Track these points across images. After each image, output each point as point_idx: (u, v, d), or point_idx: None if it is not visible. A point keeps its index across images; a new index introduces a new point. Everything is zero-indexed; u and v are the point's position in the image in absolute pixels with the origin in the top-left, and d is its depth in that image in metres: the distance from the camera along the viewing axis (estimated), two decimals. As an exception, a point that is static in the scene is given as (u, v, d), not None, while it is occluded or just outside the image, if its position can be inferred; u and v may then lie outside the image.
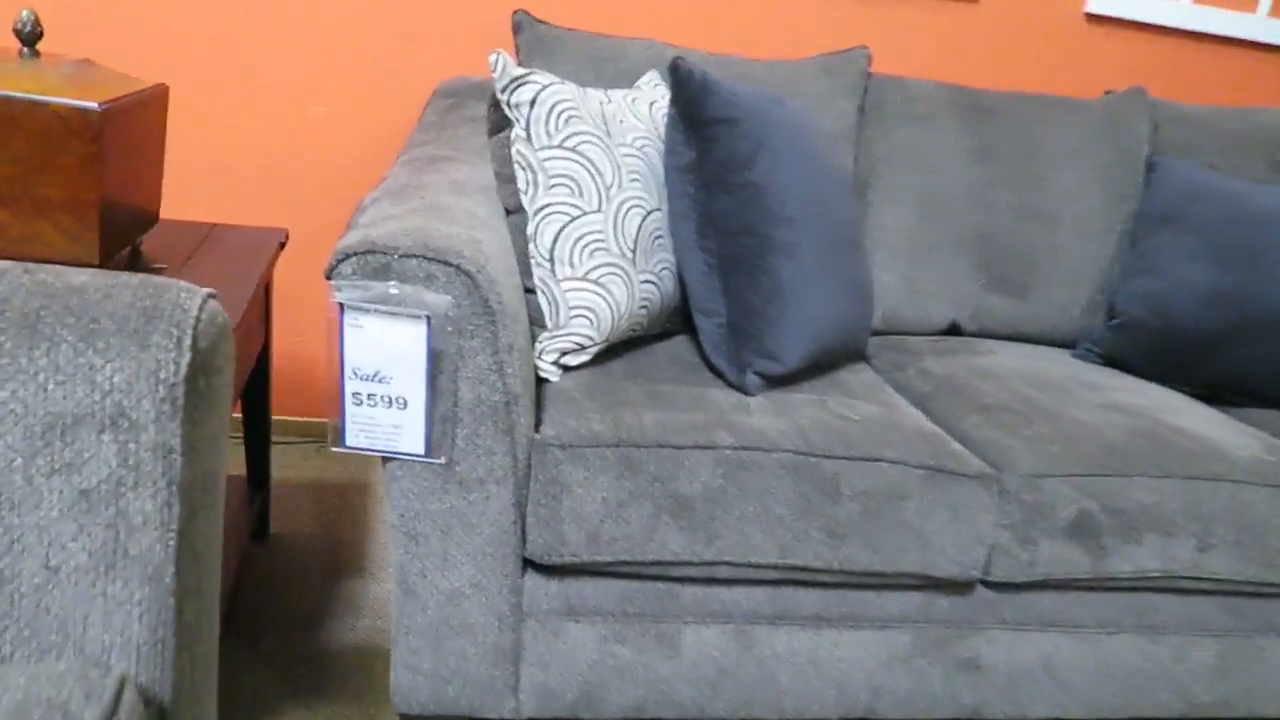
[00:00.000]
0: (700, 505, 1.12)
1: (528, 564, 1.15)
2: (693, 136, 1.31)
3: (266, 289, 1.49)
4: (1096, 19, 1.97)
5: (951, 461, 1.19)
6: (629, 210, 1.30)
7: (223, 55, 1.77)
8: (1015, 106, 1.74)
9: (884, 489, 1.16)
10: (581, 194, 1.26)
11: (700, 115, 1.28)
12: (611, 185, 1.28)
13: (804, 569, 1.17)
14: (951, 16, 1.93)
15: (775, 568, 1.16)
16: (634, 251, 1.30)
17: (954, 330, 1.74)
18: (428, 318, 0.99)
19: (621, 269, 1.28)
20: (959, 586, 1.24)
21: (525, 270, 1.29)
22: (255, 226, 1.50)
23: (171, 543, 0.70)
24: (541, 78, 1.27)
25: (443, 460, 1.06)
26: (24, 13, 1.16)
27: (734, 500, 1.13)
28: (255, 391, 1.57)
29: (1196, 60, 2.02)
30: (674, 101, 1.31)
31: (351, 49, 1.80)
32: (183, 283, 0.76)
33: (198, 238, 1.41)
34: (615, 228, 1.28)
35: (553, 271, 1.26)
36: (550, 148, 1.26)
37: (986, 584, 1.25)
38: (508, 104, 1.26)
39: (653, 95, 1.48)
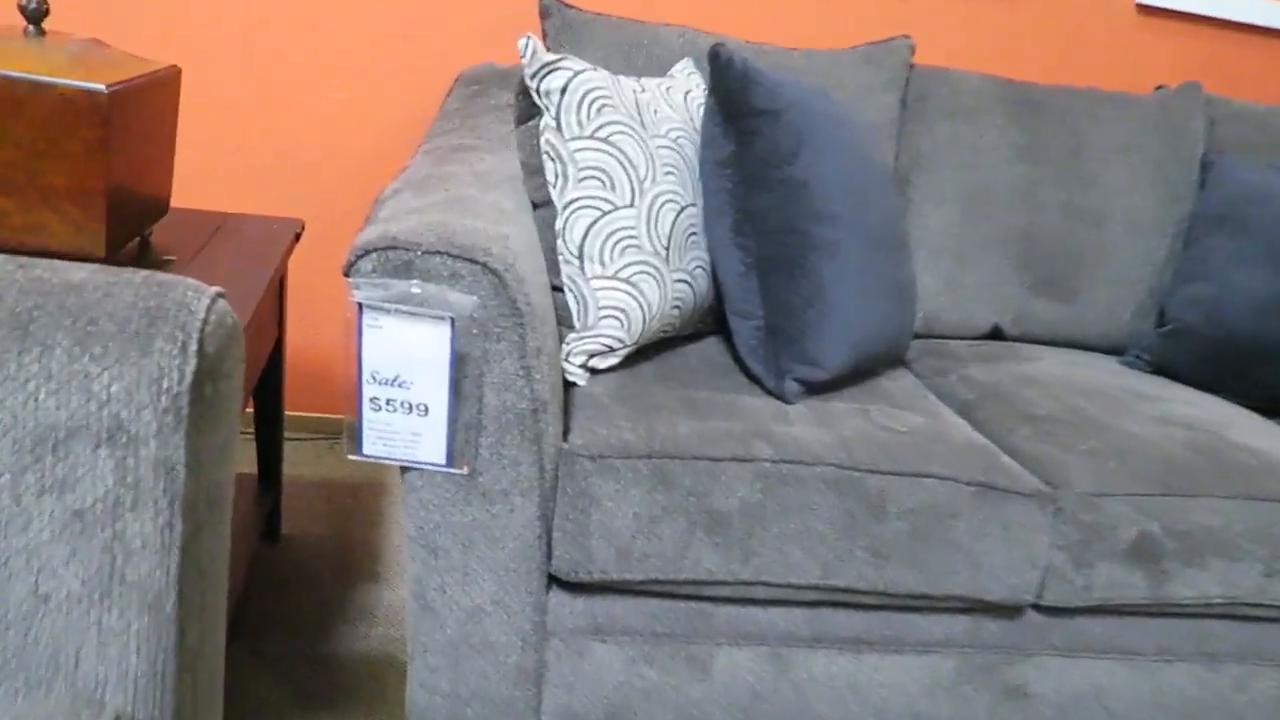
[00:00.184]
0: (737, 521, 1.06)
1: (552, 580, 1.08)
2: (732, 128, 1.24)
3: (281, 282, 1.43)
4: (1147, 10, 1.89)
5: (1004, 478, 1.12)
6: (663, 205, 1.23)
7: (238, 36, 1.70)
8: (1064, 101, 1.65)
9: (932, 507, 1.09)
10: (614, 188, 1.19)
11: (741, 106, 1.21)
12: (645, 179, 1.21)
13: (846, 590, 1.10)
14: (996, 6, 1.85)
15: (815, 588, 1.10)
16: (667, 249, 1.23)
17: (996, 334, 1.67)
18: (452, 319, 0.92)
19: (654, 267, 1.21)
20: (1008, 610, 1.17)
21: (552, 267, 1.22)
22: (270, 216, 1.44)
23: (173, 567, 0.64)
24: (573, 64, 1.20)
25: (465, 471, 0.99)
26: (29, -12, 1.10)
27: (773, 517, 1.06)
28: (268, 388, 1.51)
29: (1254, 55, 1.93)
30: (713, 91, 1.24)
31: (372, 33, 1.73)
32: (189, 280, 0.69)
33: (210, 228, 1.35)
34: (648, 224, 1.21)
35: (582, 269, 1.19)
36: (581, 138, 1.19)
37: (1037, 608, 1.18)
38: (537, 91, 1.19)
39: (687, 84, 1.40)
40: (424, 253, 0.92)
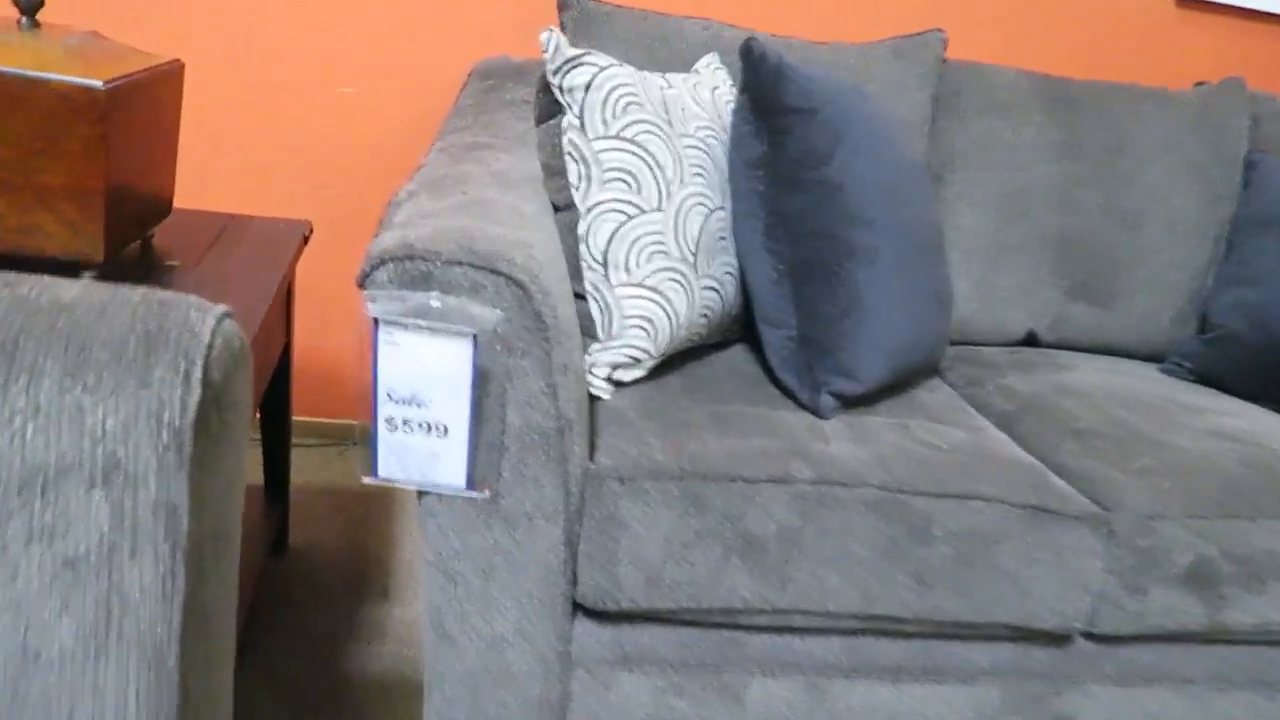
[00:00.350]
0: (774, 547, 0.99)
1: (577, 608, 1.02)
2: (764, 127, 1.17)
3: (289, 286, 1.36)
4: (1187, 2, 1.82)
5: (1054, 500, 1.05)
6: (691, 208, 1.16)
7: (243, 29, 1.64)
8: (1103, 97, 1.59)
9: (979, 530, 1.03)
10: (640, 190, 1.12)
11: (774, 104, 1.15)
12: (673, 181, 1.15)
13: (887, 618, 1.04)
14: (1029, -2, 1.78)
15: (855, 617, 1.04)
16: (695, 254, 1.17)
17: (1030, 341, 1.60)
18: (474, 335, 0.86)
19: (682, 274, 1.15)
20: (1056, 638, 1.11)
21: (574, 273, 1.16)
22: (277, 218, 1.38)
23: (176, 619, 0.58)
24: (598, 59, 1.13)
25: (486, 494, 0.93)
26: (22, -22, 1.03)
27: (811, 541, 1.00)
28: (275, 395, 1.45)
29: (1297, 49, 1.86)
30: (744, 88, 1.17)
31: (382, 25, 1.66)
32: (192, 298, 0.63)
33: (215, 230, 1.29)
34: (676, 228, 1.14)
35: (606, 276, 1.13)
36: (606, 138, 1.12)
37: (1087, 636, 1.12)
38: (560, 88, 1.13)
39: (714, 80, 1.34)
40: (444, 263, 0.86)
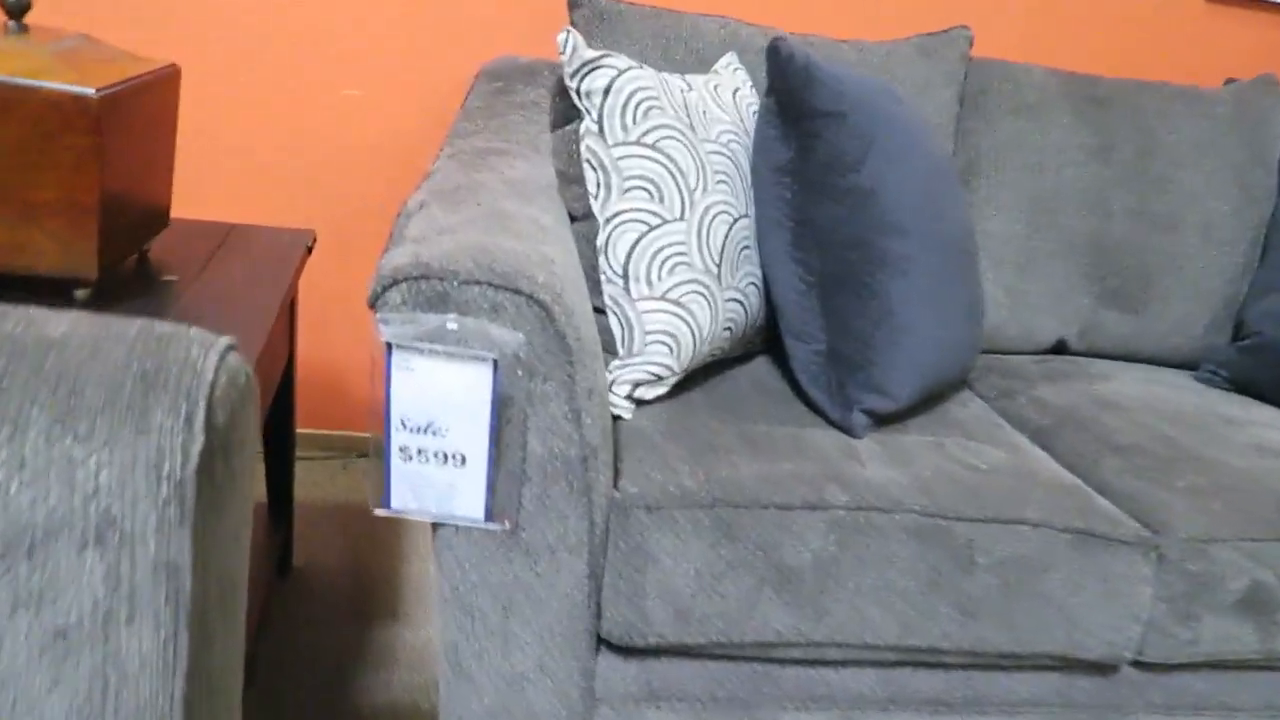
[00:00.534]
0: (809, 577, 0.94)
1: (601, 643, 0.97)
2: (791, 131, 1.12)
3: (292, 297, 1.31)
4: (1215, -3, 1.76)
5: (1103, 524, 1.00)
6: (715, 217, 1.11)
7: (241, 30, 1.58)
8: (1134, 97, 1.53)
9: (1025, 558, 0.97)
10: (662, 199, 1.07)
11: (803, 107, 1.09)
12: (696, 189, 1.09)
13: (927, 650, 0.99)
14: (1053, -7, 1.72)
15: (894, 649, 0.98)
16: (719, 265, 1.11)
17: (1060, 349, 1.55)
18: (494, 359, 0.81)
19: (705, 286, 1.09)
20: (1102, 667, 1.06)
21: (593, 287, 1.10)
22: (279, 227, 1.32)
23: (178, 690, 0.52)
24: (617, 61, 1.08)
25: (506, 526, 0.88)
26: (8, -21, 0.97)
27: (849, 571, 0.95)
28: (279, 411, 1.40)
29: (1330, 44, 1.81)
30: (771, 90, 1.12)
31: (386, 25, 1.61)
32: (194, 331, 0.58)
33: (215, 241, 1.23)
34: (699, 238, 1.09)
35: (627, 289, 1.07)
36: (627, 144, 1.07)
37: (1135, 664, 1.07)
38: (577, 92, 1.07)
39: (734, 81, 1.28)
40: (461, 282, 0.80)
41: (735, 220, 1.14)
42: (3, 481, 0.49)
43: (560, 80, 1.10)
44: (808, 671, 1.01)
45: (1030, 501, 1.00)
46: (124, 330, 0.57)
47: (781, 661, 1.00)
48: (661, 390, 1.10)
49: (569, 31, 1.05)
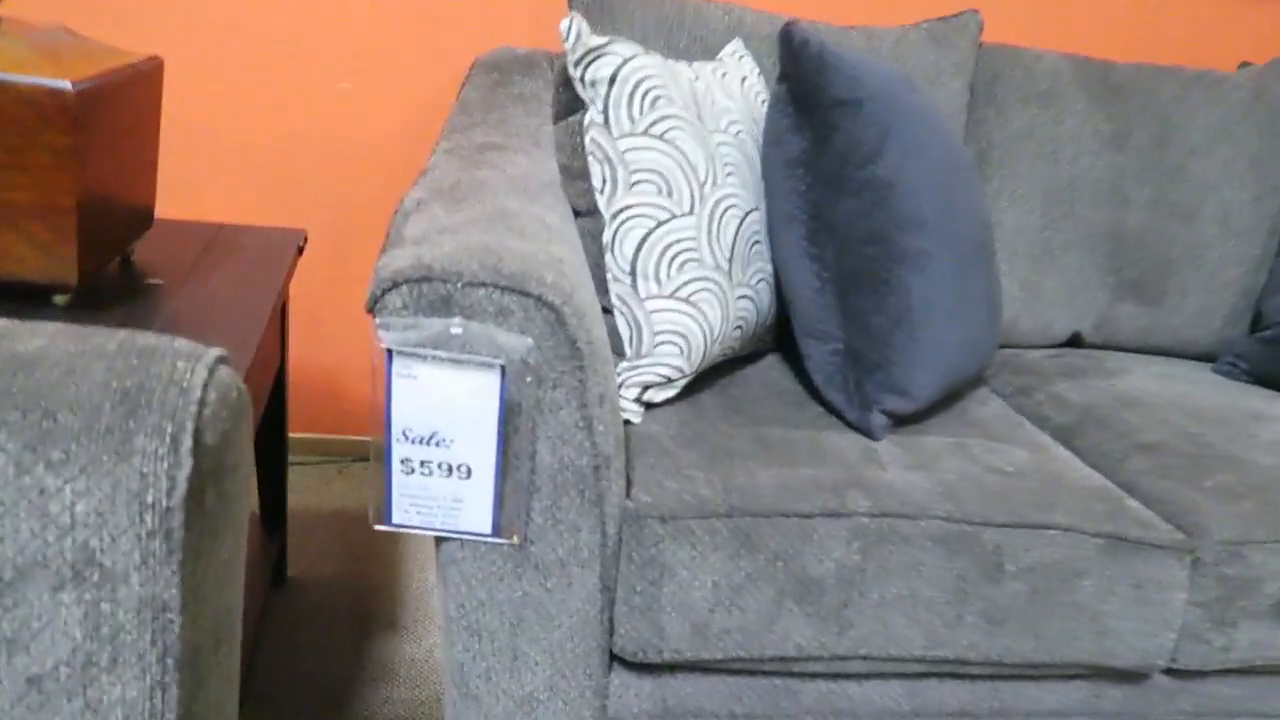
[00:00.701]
0: (832, 588, 0.90)
1: (615, 659, 0.92)
2: (805, 121, 1.07)
3: (284, 300, 1.26)
4: (1227, -20, 1.72)
5: (1135, 527, 0.96)
6: (725, 212, 1.06)
7: (227, 21, 1.52)
8: (1150, 82, 1.49)
9: (1055, 564, 0.93)
10: (671, 193, 1.02)
11: (817, 95, 1.04)
12: (706, 182, 1.04)
13: (954, 661, 0.95)
14: (1062, -23, 1.68)
15: (920, 660, 0.94)
16: (730, 261, 1.07)
17: (1075, 342, 1.51)
18: (501, 366, 0.76)
19: (716, 283, 1.05)
20: (1133, 675, 1.02)
21: (599, 285, 1.06)
22: (269, 227, 1.27)
23: (167, 739, 0.48)
24: (623, 48, 1.03)
25: (514, 540, 0.83)
26: (-22, -33, 0.92)
27: (873, 581, 0.90)
28: (271, 417, 1.35)
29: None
30: (783, 78, 1.07)
31: (379, 14, 1.55)
32: (180, 343, 0.53)
33: (201, 242, 1.18)
34: (710, 234, 1.04)
35: (634, 288, 1.03)
36: (634, 135, 1.02)
37: (1167, 672, 1.03)
38: (581, 81, 1.02)
39: (742, 69, 1.24)
40: (465, 285, 0.76)
41: (746, 214, 1.10)
42: (-32, 516, 0.44)
43: (562, 70, 1.05)
44: (829, 685, 0.97)
45: (1059, 505, 0.96)
46: (103, 344, 0.52)
47: (802, 675, 0.96)
48: (671, 393, 1.06)
49: (573, 17, 1.00)
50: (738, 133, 1.12)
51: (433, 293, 0.76)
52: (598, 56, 1.01)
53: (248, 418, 0.55)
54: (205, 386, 0.51)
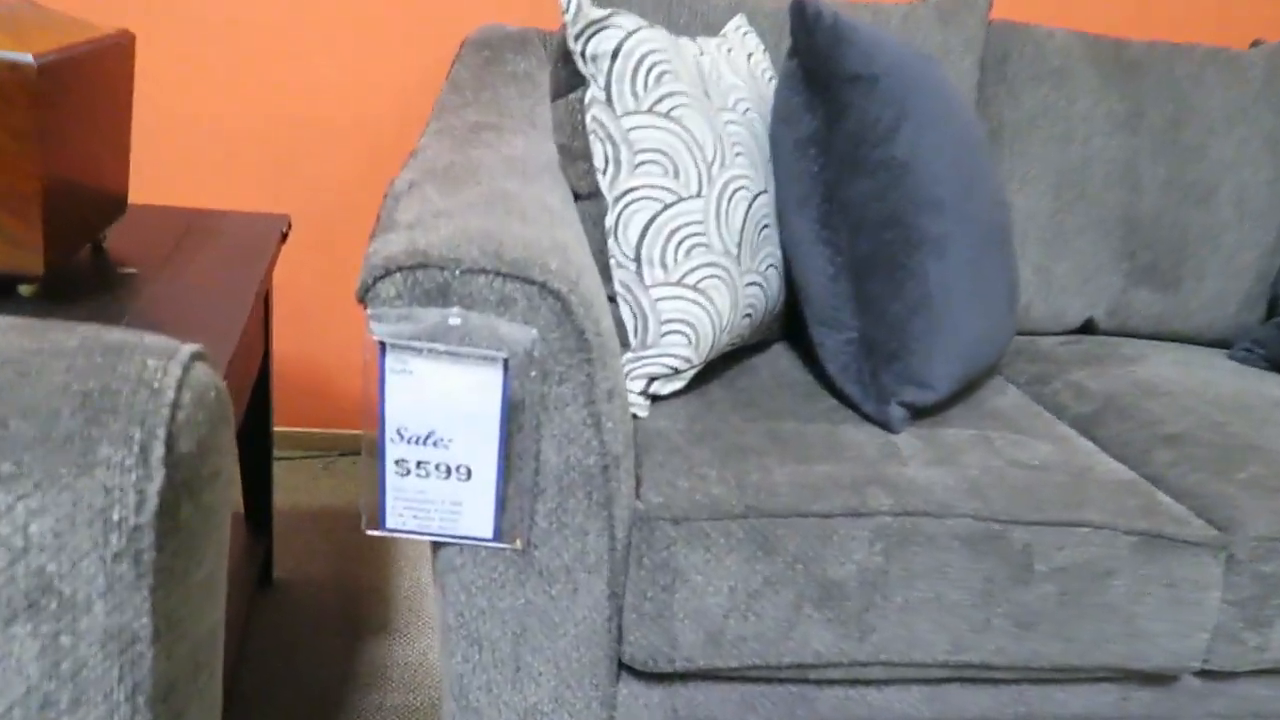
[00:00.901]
0: (854, 592, 0.85)
1: (623, 668, 0.87)
2: (818, 99, 1.02)
3: (267, 289, 1.20)
4: (1239, -44, 1.67)
5: (1170, 524, 0.92)
6: (734, 194, 1.01)
7: (204, -1, 1.45)
8: (1164, 61, 1.44)
9: (1086, 563, 0.89)
10: (677, 174, 0.97)
11: (832, 70, 0.99)
12: (714, 162, 0.99)
13: (979, 666, 0.90)
14: (1071, -48, 1.63)
15: (944, 665, 0.90)
16: (739, 246, 1.01)
17: (1088, 328, 1.46)
18: (504, 359, 0.70)
19: (724, 269, 1.00)
20: (1162, 677, 0.98)
21: (602, 272, 1.00)
22: (250, 212, 1.21)
23: (140, 786, 0.42)
24: (626, 20, 0.97)
25: (517, 545, 0.78)
26: (-70, -70, 0.85)
27: (896, 584, 0.86)
28: (255, 412, 1.29)
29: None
30: (794, 53, 1.02)
31: (360, -9, 1.49)
32: (150, 339, 0.47)
33: (178, 229, 1.12)
34: (718, 217, 0.99)
35: (639, 275, 0.97)
36: (638, 113, 0.96)
37: (1198, 673, 0.99)
38: (582, 55, 0.96)
39: (747, 45, 1.18)
40: (464, 272, 0.70)
41: (755, 197, 1.04)
42: (-96, 540, 0.38)
43: (560, 45, 0.99)
44: (847, 692, 0.92)
45: (1090, 501, 0.91)
46: (62, 341, 0.46)
47: (819, 683, 0.91)
48: (679, 385, 1.01)
49: (572, -12, 0.95)
50: (745, 111, 1.07)
51: (429, 280, 0.70)
52: (600, 29, 0.96)
53: (228, 420, 0.49)
54: (179, 387, 0.45)
